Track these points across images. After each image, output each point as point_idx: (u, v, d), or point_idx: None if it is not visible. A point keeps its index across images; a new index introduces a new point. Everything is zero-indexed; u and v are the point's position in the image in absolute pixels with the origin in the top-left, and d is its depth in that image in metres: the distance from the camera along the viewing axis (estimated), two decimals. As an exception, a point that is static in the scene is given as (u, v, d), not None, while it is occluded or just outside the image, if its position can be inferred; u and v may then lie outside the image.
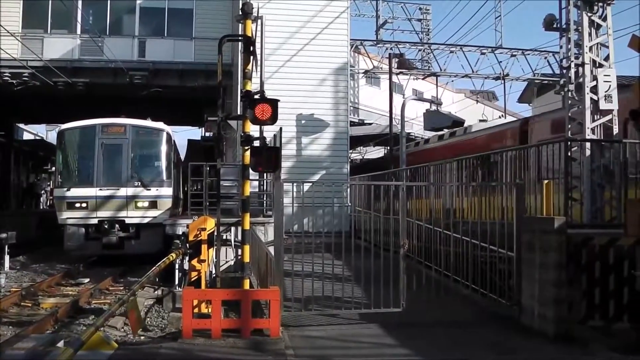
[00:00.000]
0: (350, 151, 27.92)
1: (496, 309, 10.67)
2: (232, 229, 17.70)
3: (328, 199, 11.65)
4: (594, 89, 12.61)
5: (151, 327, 13.12)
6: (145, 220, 21.49)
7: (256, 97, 10.27)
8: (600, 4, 12.93)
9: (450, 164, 14.18)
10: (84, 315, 13.70)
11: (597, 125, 12.61)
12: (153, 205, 21.67)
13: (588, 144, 12.02)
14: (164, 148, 22.63)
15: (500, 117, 35.66)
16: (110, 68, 26.41)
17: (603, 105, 12.55)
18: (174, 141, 24.41)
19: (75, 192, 21.31)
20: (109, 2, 27.56)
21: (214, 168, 18.28)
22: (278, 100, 10.01)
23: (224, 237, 17.32)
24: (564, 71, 13.37)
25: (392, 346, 9.00)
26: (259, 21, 10.83)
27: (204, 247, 13.33)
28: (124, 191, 21.46)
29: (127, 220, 21.40)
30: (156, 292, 16.15)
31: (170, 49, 27.37)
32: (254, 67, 10.76)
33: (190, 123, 39.20)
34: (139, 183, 21.64)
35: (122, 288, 17.35)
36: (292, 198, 10.52)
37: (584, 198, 11.78)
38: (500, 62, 33.58)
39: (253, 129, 10.64)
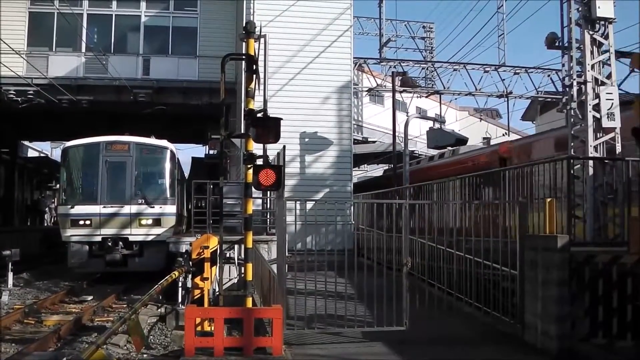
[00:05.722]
0: (355, 169, 27.94)
1: (499, 326, 10.63)
2: (235, 247, 17.67)
3: (331, 217, 11.64)
4: (597, 107, 12.64)
5: (154, 345, 13.08)
6: (149, 238, 21.52)
7: (259, 115, 10.29)
8: (602, 22, 12.99)
9: (453, 182, 14.18)
10: (87, 332, 13.68)
11: (599, 143, 12.63)
12: (157, 222, 21.70)
13: (591, 162, 12.04)
14: (167, 166, 22.69)
15: (503, 135, 35.67)
16: (115, 86, 26.48)
17: (605, 123, 12.58)
18: (178, 159, 24.46)
19: (79, 209, 21.37)
20: (113, 20, 27.75)
21: (217, 186, 18.30)
22: (281, 119, 10.02)
23: (227, 255, 17.28)
24: (567, 89, 13.40)
25: (394, 365, 8.97)
26: (262, 40, 10.85)
27: (207, 265, 13.30)
28: (127, 209, 21.51)
29: (131, 238, 21.43)
30: (159, 309, 16.11)
31: (174, 67, 27.43)
32: (257, 86, 10.78)
33: (194, 141, 39.24)
34: (143, 200, 21.70)
35: (125, 305, 17.32)
36: (295, 216, 10.50)
37: (587, 216, 11.78)
38: (504, 79, 33.62)
39: (256, 147, 10.65)
